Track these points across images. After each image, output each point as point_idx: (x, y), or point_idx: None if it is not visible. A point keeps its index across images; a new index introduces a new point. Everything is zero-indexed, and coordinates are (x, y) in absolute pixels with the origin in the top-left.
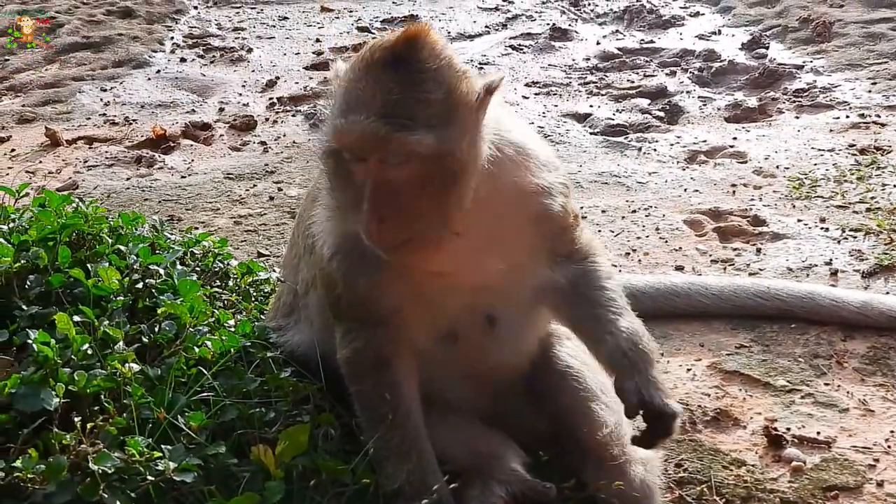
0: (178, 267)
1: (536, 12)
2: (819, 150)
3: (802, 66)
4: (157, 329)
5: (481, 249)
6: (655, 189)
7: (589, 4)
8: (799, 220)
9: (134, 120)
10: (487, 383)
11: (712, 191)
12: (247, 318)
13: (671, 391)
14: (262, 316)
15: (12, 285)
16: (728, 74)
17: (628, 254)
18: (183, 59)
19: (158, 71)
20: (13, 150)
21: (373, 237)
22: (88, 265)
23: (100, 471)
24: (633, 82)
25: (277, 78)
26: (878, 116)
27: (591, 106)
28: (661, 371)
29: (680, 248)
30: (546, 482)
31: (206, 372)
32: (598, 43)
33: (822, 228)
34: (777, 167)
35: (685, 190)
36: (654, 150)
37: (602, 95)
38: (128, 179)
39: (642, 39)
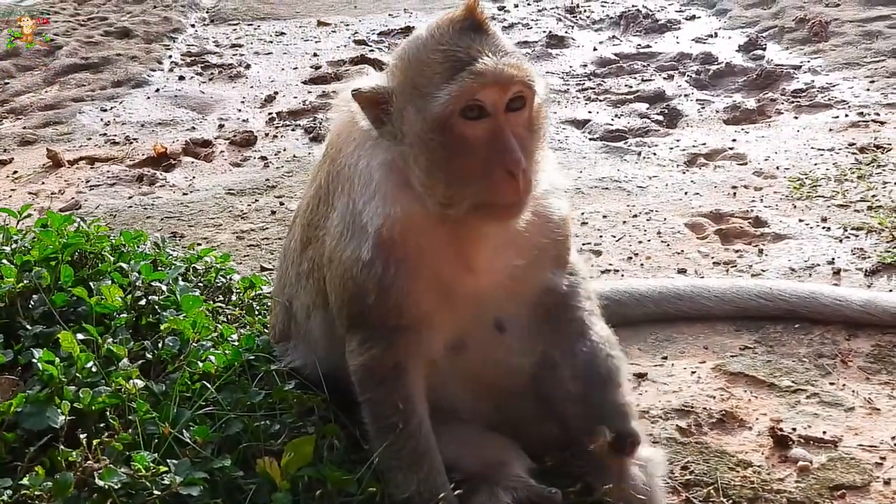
0: (181, 283)
1: (532, 20)
2: (819, 149)
3: (800, 67)
4: (160, 345)
5: (499, 247)
6: (656, 193)
7: (585, 11)
8: (800, 220)
9: (134, 139)
10: (494, 390)
11: (713, 193)
12: (250, 331)
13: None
14: (265, 329)
15: (16, 305)
16: (726, 77)
17: (630, 258)
18: (181, 77)
19: (157, 90)
20: (15, 172)
21: (516, 188)
22: (91, 283)
23: (106, 486)
24: (630, 87)
25: (276, 93)
26: (878, 114)
27: (589, 112)
28: (624, 393)
29: (682, 251)
30: (551, 487)
31: (209, 386)
32: (594, 49)
33: (823, 228)
34: (777, 168)
35: (686, 193)
36: (654, 154)
37: (600, 101)
38: (130, 198)
39: (639, 44)
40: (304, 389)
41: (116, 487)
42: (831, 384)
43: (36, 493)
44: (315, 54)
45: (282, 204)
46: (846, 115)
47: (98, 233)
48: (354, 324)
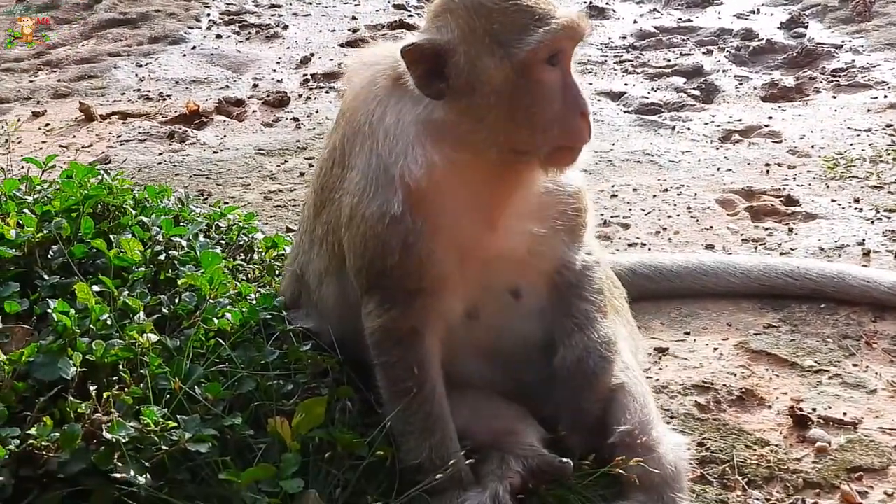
0: (201, 239)
1: None
2: (855, 129)
3: (841, 46)
4: (177, 300)
5: (521, 214)
6: (688, 168)
7: None
8: (832, 200)
9: (168, 96)
10: (508, 358)
11: (745, 170)
12: (269, 291)
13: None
14: None
15: (35, 255)
16: (766, 54)
17: (658, 232)
18: (219, 36)
19: (194, 47)
20: (48, 125)
21: (589, 129)
22: (111, 236)
23: (114, 439)
24: (669, 61)
25: (312, 55)
26: None
27: (626, 84)
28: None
29: (711, 227)
30: (563, 457)
31: (224, 343)
32: (635, 21)
33: (855, 209)
34: (812, 147)
35: (718, 169)
36: (688, 128)
37: (637, 74)
38: (160, 154)
39: (680, 18)
40: (320, 351)
41: (124, 441)
42: (854, 366)
43: (43, 443)
44: (354, 17)
45: (311, 166)
46: (885, 97)
47: (121, 186)
48: (373, 286)
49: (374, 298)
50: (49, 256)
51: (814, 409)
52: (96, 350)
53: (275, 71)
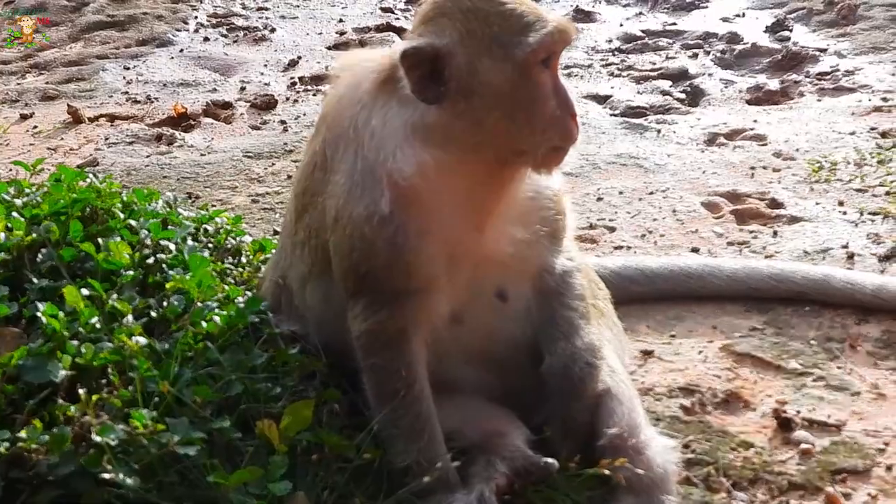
0: (189, 242)
1: None
2: (840, 133)
3: (826, 50)
4: (165, 304)
5: (508, 217)
6: (673, 171)
7: None
8: (817, 203)
9: (156, 98)
10: (494, 360)
11: (731, 173)
12: (257, 294)
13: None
14: None
15: (23, 258)
16: (751, 57)
17: (643, 235)
18: (206, 39)
19: (182, 50)
20: (35, 127)
21: (577, 129)
22: (100, 240)
23: (103, 442)
24: (654, 64)
25: (299, 57)
26: None
27: (612, 88)
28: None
29: (696, 230)
30: (548, 458)
31: (212, 346)
32: (621, 25)
33: (840, 212)
34: (797, 150)
35: (703, 172)
36: (674, 132)
37: (623, 77)
38: (147, 157)
39: (665, 21)
40: (308, 353)
41: (113, 444)
42: (839, 368)
43: (32, 445)
44: (341, 20)
45: (298, 168)
46: (869, 100)
47: (110, 189)
48: (359, 288)
49: (361, 302)
50: (38, 260)
51: (798, 412)
52: (85, 353)
53: (262, 74)
